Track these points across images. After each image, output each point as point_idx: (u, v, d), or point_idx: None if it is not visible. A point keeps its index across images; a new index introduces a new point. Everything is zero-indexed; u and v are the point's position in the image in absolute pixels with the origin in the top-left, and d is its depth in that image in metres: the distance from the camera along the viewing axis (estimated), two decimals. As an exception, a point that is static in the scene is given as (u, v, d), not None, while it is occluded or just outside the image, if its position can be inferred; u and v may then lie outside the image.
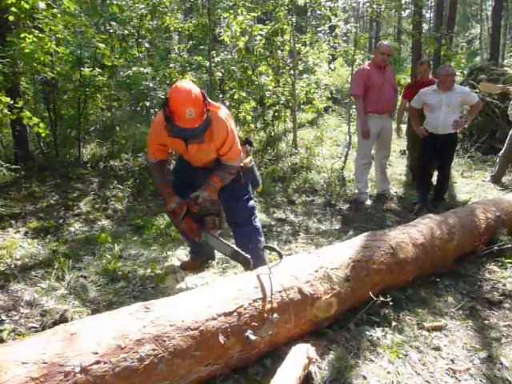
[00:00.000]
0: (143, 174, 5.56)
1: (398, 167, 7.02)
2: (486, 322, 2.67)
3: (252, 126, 7.64)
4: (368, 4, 6.83)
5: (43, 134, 4.65)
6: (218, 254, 3.36)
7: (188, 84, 2.47)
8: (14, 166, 5.00)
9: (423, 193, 5.21)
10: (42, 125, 4.26)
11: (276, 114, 7.67)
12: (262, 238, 3.07)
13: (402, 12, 10.16)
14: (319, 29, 7.51)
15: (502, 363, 2.24)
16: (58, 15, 5.01)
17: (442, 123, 4.80)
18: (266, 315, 2.05)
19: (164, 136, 2.61)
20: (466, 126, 5.08)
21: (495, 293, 2.99)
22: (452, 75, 4.80)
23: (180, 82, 2.52)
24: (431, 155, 5.05)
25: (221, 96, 7.35)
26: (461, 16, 28.92)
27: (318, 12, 7.38)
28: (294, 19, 7.09)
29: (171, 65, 6.53)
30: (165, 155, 2.85)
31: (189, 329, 1.80)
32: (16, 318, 2.52)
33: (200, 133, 2.48)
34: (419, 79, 5.62)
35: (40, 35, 4.67)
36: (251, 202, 3.02)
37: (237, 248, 2.66)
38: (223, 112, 2.65)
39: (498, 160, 6.29)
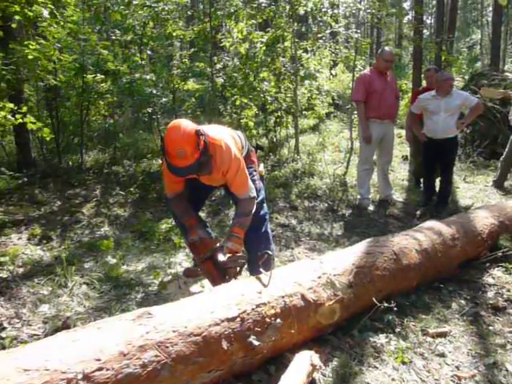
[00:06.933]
0: (146, 181, 5.57)
1: (401, 173, 7.02)
2: (490, 327, 2.65)
3: (254, 132, 7.66)
4: (368, 11, 6.86)
5: (48, 139, 4.65)
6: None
7: (180, 123, 2.40)
8: (16, 173, 5.02)
9: (426, 198, 5.20)
10: (46, 129, 4.27)
11: (278, 120, 7.67)
12: (272, 246, 3.06)
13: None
14: (320, 35, 7.53)
15: (507, 369, 2.22)
16: (61, 23, 5.04)
17: (440, 128, 4.81)
18: (268, 320, 2.04)
19: None
20: (465, 124, 5.08)
21: (499, 298, 2.97)
22: (450, 80, 4.82)
23: (174, 121, 2.44)
24: (432, 160, 5.06)
25: (222, 102, 7.37)
26: (461, 22, 29.01)
27: (319, 18, 7.39)
28: (294, 26, 7.12)
29: (173, 71, 6.55)
30: (181, 186, 2.78)
31: (192, 335, 1.79)
32: (18, 326, 2.51)
33: (195, 169, 2.42)
34: (428, 86, 5.62)
35: (44, 42, 4.70)
36: (263, 208, 3.01)
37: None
38: (225, 143, 2.59)
39: (499, 165, 6.28)
